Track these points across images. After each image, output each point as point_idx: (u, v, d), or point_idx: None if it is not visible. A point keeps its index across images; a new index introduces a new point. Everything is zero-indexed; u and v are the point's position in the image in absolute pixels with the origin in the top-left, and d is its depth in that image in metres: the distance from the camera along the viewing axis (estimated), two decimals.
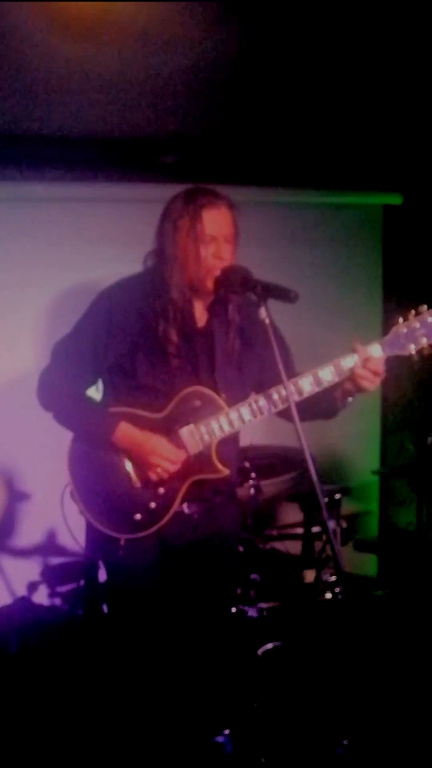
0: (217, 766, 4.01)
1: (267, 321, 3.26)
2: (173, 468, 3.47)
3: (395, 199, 6.48)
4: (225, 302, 3.56)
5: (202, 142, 5.83)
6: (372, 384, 3.46)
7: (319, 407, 3.57)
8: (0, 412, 5.65)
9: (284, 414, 3.48)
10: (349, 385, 3.48)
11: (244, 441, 3.88)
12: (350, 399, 3.57)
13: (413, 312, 3.46)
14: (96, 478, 3.57)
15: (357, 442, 6.49)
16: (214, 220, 3.46)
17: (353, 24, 3.95)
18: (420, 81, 4.71)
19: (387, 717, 4.42)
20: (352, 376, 3.44)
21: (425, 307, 3.46)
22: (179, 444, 3.48)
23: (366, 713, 4.39)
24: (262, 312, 3.27)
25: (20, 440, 5.50)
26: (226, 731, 4.14)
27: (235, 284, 3.43)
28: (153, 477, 3.49)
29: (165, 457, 3.45)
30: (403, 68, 4.56)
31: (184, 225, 3.46)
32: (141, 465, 3.50)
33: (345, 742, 4.18)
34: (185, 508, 3.56)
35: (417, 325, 3.44)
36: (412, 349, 3.46)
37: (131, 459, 3.52)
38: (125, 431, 3.48)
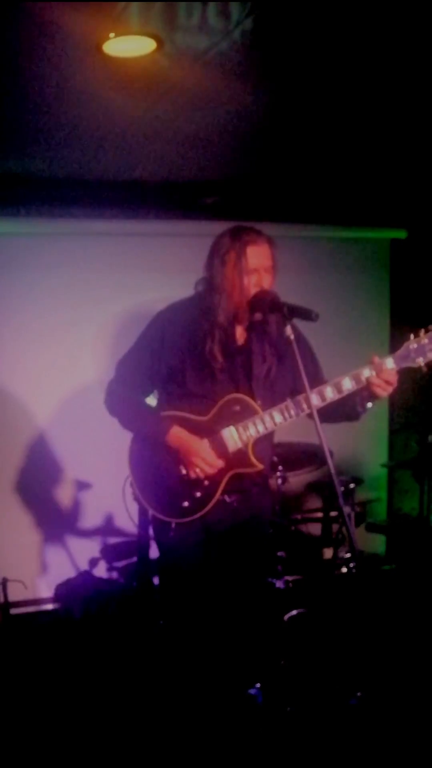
0: (250, 714, 4.02)
1: (292, 337, 3.26)
2: (209, 470, 3.48)
3: (400, 234, 6.47)
4: (260, 323, 3.55)
5: (236, 186, 5.86)
6: (385, 391, 3.43)
7: (344, 411, 3.56)
8: (68, 417, 5.69)
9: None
10: (366, 392, 3.46)
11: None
12: (369, 404, 3.55)
13: (423, 330, 3.42)
14: (151, 472, 3.61)
15: (368, 439, 6.48)
16: (256, 255, 3.46)
17: (365, 87, 3.95)
18: (424, 135, 4.72)
19: (394, 674, 4.44)
20: (368, 385, 3.43)
21: None
22: (221, 444, 3.49)
23: (376, 670, 4.41)
24: (288, 329, 3.28)
25: (86, 440, 5.54)
26: (258, 685, 4.14)
27: (266, 306, 3.44)
28: (192, 475, 3.50)
29: (204, 460, 3.46)
30: (407, 128, 4.58)
31: (231, 259, 3.46)
32: (184, 463, 3.52)
33: (358, 694, 4.20)
34: (226, 497, 3.57)
35: (426, 341, 3.40)
36: (421, 362, 3.41)
37: (178, 457, 3.53)
38: (176, 433, 3.50)
